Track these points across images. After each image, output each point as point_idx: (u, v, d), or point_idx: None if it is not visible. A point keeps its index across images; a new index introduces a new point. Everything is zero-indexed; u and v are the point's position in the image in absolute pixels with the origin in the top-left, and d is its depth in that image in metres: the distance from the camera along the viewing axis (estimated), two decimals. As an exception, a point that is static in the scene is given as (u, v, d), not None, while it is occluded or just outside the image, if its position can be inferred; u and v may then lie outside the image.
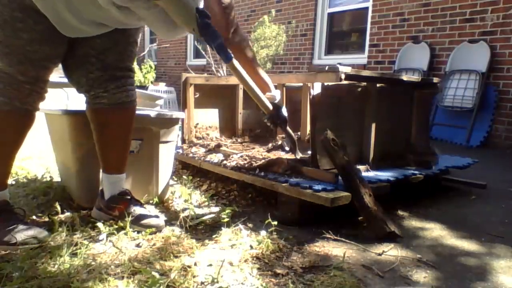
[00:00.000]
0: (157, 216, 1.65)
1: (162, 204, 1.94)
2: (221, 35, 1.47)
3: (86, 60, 1.51)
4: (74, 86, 1.59)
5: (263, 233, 1.50)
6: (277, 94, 1.85)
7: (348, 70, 1.82)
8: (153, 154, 1.89)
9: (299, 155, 2.00)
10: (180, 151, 2.52)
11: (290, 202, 1.73)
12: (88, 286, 1.10)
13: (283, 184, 1.75)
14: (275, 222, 1.55)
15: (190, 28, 1.37)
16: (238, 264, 1.29)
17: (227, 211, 1.70)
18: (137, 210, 1.59)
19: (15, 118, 1.42)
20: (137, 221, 1.56)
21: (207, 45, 1.50)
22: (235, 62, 1.59)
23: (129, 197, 1.63)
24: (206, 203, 1.95)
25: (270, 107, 1.80)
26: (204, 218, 1.74)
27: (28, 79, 1.39)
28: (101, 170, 1.65)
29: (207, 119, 2.84)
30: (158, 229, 1.57)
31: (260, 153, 2.29)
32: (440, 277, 1.32)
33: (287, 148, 2.21)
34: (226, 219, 1.64)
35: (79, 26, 1.40)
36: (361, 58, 5.69)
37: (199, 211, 1.85)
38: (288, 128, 1.91)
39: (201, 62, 8.76)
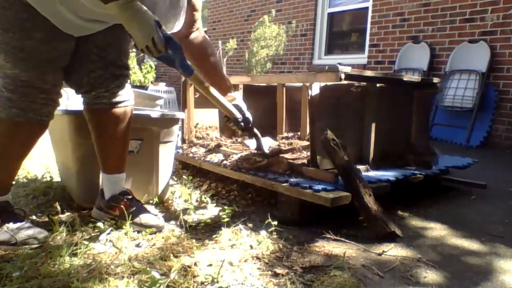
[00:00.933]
0: (157, 216, 1.65)
1: (162, 204, 1.94)
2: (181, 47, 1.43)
3: (87, 58, 1.50)
4: (73, 87, 1.57)
5: (263, 233, 1.50)
6: (237, 95, 1.83)
7: (348, 70, 1.82)
8: (153, 154, 1.89)
9: (267, 150, 2.04)
10: (180, 151, 2.52)
11: (290, 202, 1.73)
12: (88, 286, 1.10)
13: (283, 184, 1.75)
14: (275, 222, 1.55)
15: (147, 40, 1.29)
16: (238, 264, 1.29)
17: (227, 211, 1.70)
18: (137, 210, 1.59)
19: (28, 128, 1.41)
20: (138, 221, 1.56)
21: (168, 63, 1.45)
22: (198, 75, 1.56)
23: (130, 197, 1.63)
24: (206, 203, 1.95)
25: (236, 113, 1.77)
26: (204, 218, 1.74)
27: (44, 84, 1.38)
28: (100, 171, 1.64)
29: (207, 119, 2.84)
30: (158, 229, 1.57)
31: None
32: (440, 277, 1.32)
33: (253, 147, 2.17)
34: (226, 219, 1.64)
35: (80, 23, 1.40)
36: (361, 58, 5.69)
37: (199, 211, 1.85)
38: (254, 128, 1.90)
39: (201, 62, 8.75)
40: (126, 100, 1.60)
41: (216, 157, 2.26)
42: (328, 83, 1.88)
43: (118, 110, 1.57)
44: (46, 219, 1.62)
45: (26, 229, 1.40)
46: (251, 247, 1.42)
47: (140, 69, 7.48)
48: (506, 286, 1.28)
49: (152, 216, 1.61)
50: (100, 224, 1.50)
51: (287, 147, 2.33)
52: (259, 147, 2.03)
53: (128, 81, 1.63)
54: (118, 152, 1.62)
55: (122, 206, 1.57)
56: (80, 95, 1.59)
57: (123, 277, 1.17)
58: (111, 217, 1.59)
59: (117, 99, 1.56)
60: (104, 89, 1.53)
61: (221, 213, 1.74)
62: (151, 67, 7.65)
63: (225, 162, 2.15)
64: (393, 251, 1.50)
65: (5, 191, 1.47)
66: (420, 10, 4.89)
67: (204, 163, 2.26)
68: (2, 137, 1.40)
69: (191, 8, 1.61)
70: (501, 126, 4.18)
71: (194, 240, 1.47)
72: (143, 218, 1.57)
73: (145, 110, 1.98)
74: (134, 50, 7.38)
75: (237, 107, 1.78)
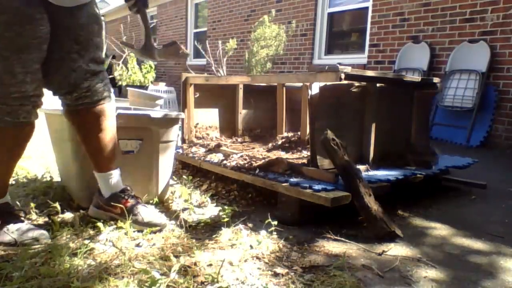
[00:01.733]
0: (158, 215, 1.64)
1: (162, 204, 1.93)
2: None
3: (68, 56, 1.44)
4: (52, 88, 1.49)
5: (263, 233, 1.50)
6: None
7: (348, 70, 1.82)
8: (153, 154, 1.89)
9: (152, 47, 1.75)
10: (180, 151, 2.52)
11: (290, 202, 1.73)
12: (88, 286, 1.10)
13: (283, 184, 1.75)
14: (275, 222, 1.55)
15: None
16: (238, 264, 1.29)
17: (227, 211, 1.70)
18: (138, 208, 1.59)
19: (9, 132, 1.36)
20: (140, 219, 1.56)
21: None
22: None
23: (131, 194, 1.62)
24: (206, 203, 1.95)
25: None
26: (204, 218, 1.74)
27: (12, 79, 1.29)
28: (93, 170, 1.62)
29: (207, 119, 2.84)
30: (161, 227, 1.56)
31: (260, 153, 2.30)
32: (440, 277, 1.32)
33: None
34: (226, 219, 1.64)
35: None
36: (361, 58, 5.69)
37: (199, 211, 1.85)
38: (147, 14, 1.67)
39: (201, 62, 8.76)
40: (108, 96, 1.56)
41: (216, 157, 2.26)
42: (328, 83, 1.88)
43: (102, 107, 1.54)
44: (46, 219, 1.62)
45: (26, 230, 1.39)
46: (251, 247, 1.42)
47: (140, 69, 7.49)
48: (507, 286, 1.28)
49: (154, 214, 1.60)
50: (100, 224, 1.50)
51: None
52: (146, 43, 1.71)
53: (107, 75, 1.59)
54: (108, 149, 1.58)
55: (123, 204, 1.57)
56: (58, 97, 1.53)
57: (123, 277, 1.17)
58: (110, 215, 1.58)
59: (99, 96, 1.53)
60: (86, 89, 1.49)
61: (221, 213, 1.74)
62: (151, 67, 7.66)
63: (225, 162, 2.15)
64: (393, 251, 1.50)
65: (2, 194, 1.46)
66: (420, 10, 4.89)
67: (204, 163, 2.27)
68: None
69: None
70: (501, 126, 4.18)
71: (194, 240, 1.47)
72: (145, 217, 1.56)
73: (145, 110, 1.98)
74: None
75: None
